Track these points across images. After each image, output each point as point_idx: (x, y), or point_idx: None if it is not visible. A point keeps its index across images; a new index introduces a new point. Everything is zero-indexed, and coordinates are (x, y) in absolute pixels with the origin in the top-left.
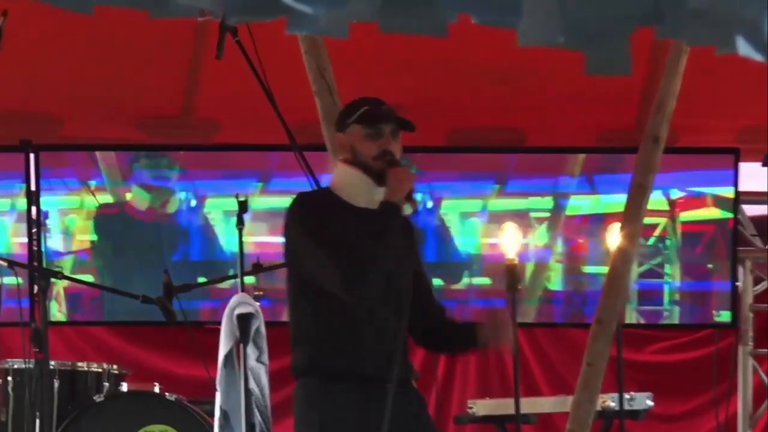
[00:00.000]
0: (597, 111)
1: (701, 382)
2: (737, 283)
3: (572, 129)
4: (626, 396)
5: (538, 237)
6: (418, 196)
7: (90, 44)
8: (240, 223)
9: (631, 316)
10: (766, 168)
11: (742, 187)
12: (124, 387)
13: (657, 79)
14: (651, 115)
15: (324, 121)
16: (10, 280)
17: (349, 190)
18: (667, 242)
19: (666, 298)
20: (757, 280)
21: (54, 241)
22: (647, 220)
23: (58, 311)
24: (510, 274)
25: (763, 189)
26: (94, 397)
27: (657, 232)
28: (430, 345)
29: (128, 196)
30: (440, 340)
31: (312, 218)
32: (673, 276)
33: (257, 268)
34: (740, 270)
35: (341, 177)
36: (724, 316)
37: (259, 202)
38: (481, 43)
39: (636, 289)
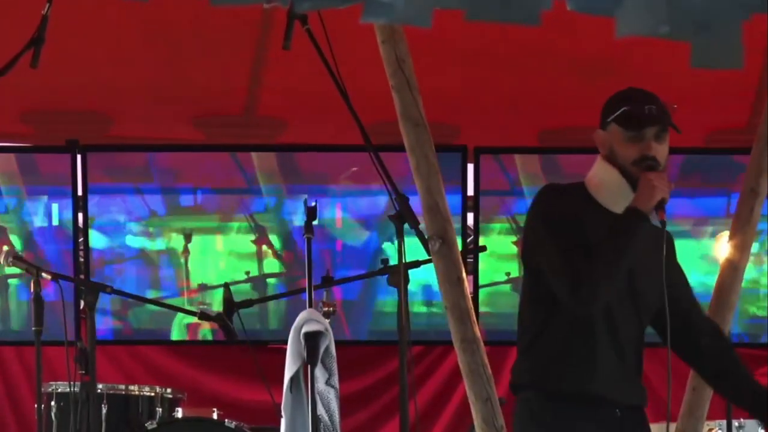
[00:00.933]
0: (705, 109)
1: None
2: None
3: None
4: (735, 423)
5: None
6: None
7: (143, 36)
8: (309, 231)
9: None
10: None
11: None
12: (179, 413)
13: None
14: (765, 113)
15: (402, 118)
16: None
17: (604, 192)
18: None
19: None
20: None
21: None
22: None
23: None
24: None
25: None
26: (147, 424)
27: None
28: (701, 370)
29: None
30: (711, 369)
31: (555, 215)
32: None
33: (328, 281)
34: None
35: (599, 176)
36: None
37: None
38: (577, 33)
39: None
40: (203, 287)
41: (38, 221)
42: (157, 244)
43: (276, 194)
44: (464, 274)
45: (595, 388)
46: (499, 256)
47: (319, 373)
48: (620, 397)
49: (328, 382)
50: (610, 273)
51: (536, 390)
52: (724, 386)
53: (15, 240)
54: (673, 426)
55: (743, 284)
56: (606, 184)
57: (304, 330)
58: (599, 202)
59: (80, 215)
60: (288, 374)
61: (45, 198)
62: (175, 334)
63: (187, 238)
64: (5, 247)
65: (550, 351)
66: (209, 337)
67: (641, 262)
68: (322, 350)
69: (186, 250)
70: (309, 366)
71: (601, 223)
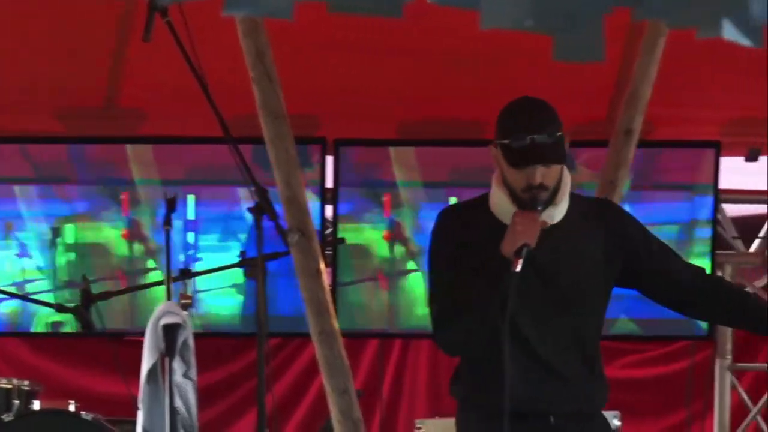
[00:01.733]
0: (565, 102)
1: (674, 400)
2: None
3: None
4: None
5: None
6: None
7: (2, 28)
8: (167, 224)
9: None
10: (750, 163)
11: (723, 184)
12: (36, 405)
13: (631, 66)
14: (623, 106)
15: (262, 110)
16: None
17: (498, 213)
18: None
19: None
20: None
21: None
22: None
23: None
24: None
25: (746, 187)
26: (2, 416)
27: None
28: (700, 315)
29: None
30: (711, 309)
31: (444, 243)
32: None
33: (186, 274)
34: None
35: (493, 196)
36: (701, 327)
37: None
38: (438, 26)
39: None
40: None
41: None
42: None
43: (150, 185)
44: (323, 267)
45: (517, 401)
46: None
47: (177, 365)
48: (550, 406)
49: (185, 375)
50: (476, 322)
51: (465, 411)
52: (741, 321)
53: None
54: None
55: None
56: (498, 206)
57: (162, 322)
58: (498, 219)
59: None
60: (145, 366)
61: None
62: (36, 327)
63: (55, 231)
64: None
65: (472, 369)
66: (69, 330)
67: (560, 261)
68: (180, 342)
69: (54, 244)
70: (167, 358)
71: (492, 241)
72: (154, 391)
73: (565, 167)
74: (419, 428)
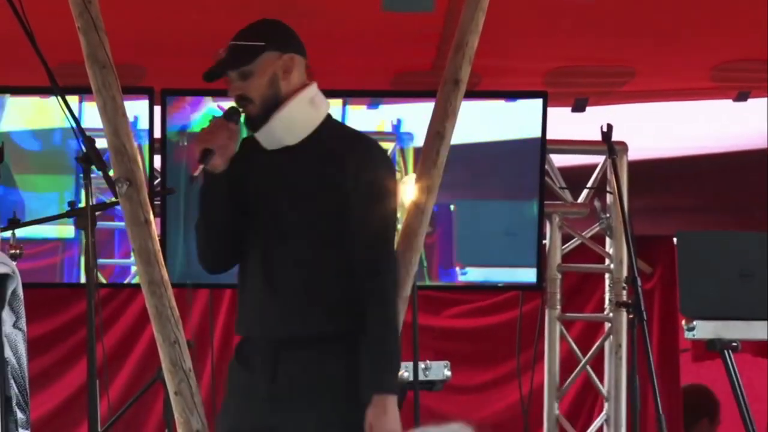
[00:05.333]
0: (391, 51)
1: (504, 350)
2: (543, 241)
3: (362, 71)
4: (421, 365)
5: None
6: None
7: None
8: None
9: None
10: (576, 114)
11: (550, 134)
12: None
13: (457, 15)
14: (450, 55)
15: (89, 60)
16: None
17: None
18: None
19: None
20: (566, 238)
21: None
22: None
23: None
24: None
25: (574, 137)
26: None
27: None
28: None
29: None
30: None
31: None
32: None
33: (14, 224)
34: (547, 226)
35: None
36: (530, 276)
37: None
38: None
39: None
40: None
41: None
42: None
43: None
44: (152, 216)
45: (244, 328)
46: None
47: (6, 315)
48: (271, 332)
49: (15, 325)
50: (199, 234)
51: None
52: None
53: None
54: None
55: None
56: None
57: None
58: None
59: None
60: None
61: None
62: None
63: None
64: None
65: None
66: None
67: (281, 186)
68: (9, 293)
69: None
70: None
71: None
72: None
73: (303, 94)
74: None
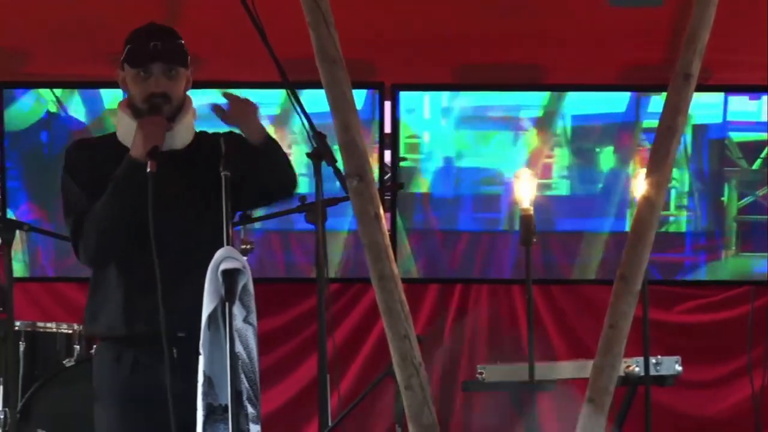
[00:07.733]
0: (620, 45)
1: (735, 345)
2: None
3: (594, 66)
4: (652, 360)
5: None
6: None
7: None
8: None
9: None
10: None
11: None
12: None
13: (689, 9)
14: (682, 50)
15: (319, 55)
16: None
17: (124, 137)
18: None
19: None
20: None
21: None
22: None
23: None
24: (525, 225)
25: None
26: (64, 362)
27: (765, 153)
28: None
29: None
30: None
31: (74, 172)
32: None
33: (246, 219)
34: None
35: (118, 122)
36: (762, 272)
37: None
38: None
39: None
40: None
41: None
42: None
43: None
44: (382, 211)
45: (128, 329)
46: None
47: (237, 310)
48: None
49: (246, 320)
50: (106, 224)
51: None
52: None
53: None
54: (590, 363)
55: None
56: (122, 128)
57: (221, 267)
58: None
59: None
60: (206, 312)
61: None
62: None
63: None
64: None
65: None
66: None
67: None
68: (240, 288)
69: None
70: (227, 304)
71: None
72: (215, 337)
73: (192, 107)
74: (481, 373)
